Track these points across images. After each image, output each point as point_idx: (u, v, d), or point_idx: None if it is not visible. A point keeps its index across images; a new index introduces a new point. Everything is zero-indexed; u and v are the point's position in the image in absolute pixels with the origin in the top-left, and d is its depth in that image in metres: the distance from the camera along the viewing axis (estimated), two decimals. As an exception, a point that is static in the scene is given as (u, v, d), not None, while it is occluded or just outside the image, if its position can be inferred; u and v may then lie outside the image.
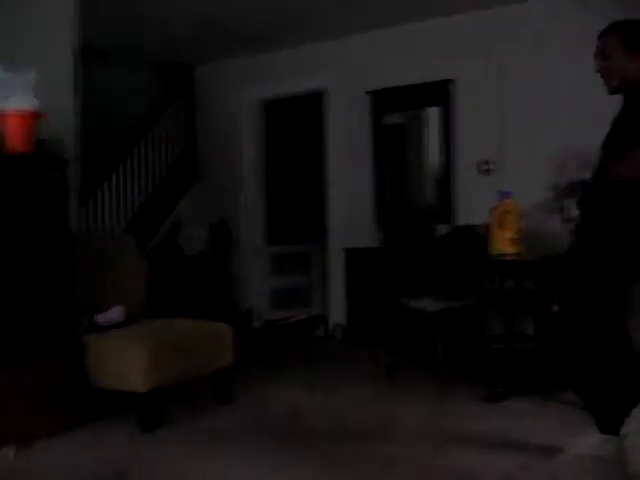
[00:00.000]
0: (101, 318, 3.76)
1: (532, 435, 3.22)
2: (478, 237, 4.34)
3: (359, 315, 5.56)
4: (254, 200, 6.69)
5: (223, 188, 6.62)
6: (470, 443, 3.19)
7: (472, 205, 5.14)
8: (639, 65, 2.74)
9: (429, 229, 4.87)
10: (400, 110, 5.85)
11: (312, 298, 6.89)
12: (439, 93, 5.52)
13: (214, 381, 3.92)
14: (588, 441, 1.48)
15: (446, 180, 5.56)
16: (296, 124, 6.98)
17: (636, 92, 2.73)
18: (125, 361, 3.48)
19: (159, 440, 3.33)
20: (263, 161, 6.75)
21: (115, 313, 3.79)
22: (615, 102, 2.76)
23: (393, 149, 5.88)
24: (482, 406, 3.77)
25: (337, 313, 6.01)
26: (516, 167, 5.04)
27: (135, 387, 3.43)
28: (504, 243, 3.91)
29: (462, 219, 5.28)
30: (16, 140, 3.42)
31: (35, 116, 3.47)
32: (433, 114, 5.67)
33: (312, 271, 6.93)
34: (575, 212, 3.24)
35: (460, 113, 5.46)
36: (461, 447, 3.13)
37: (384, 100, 5.79)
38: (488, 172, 5.27)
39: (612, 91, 2.86)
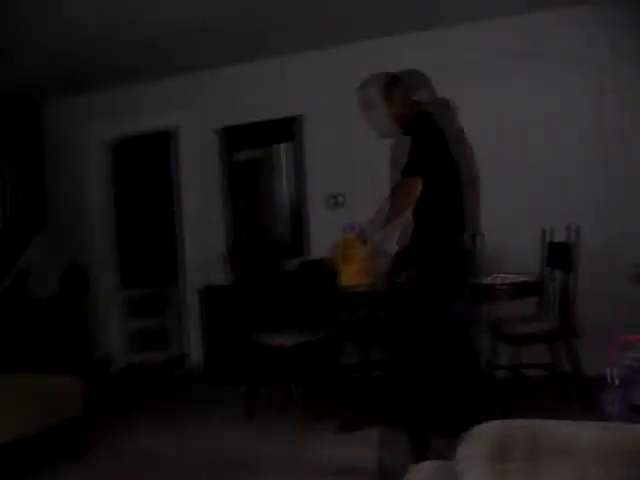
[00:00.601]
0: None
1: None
2: (327, 270, 4.45)
3: (217, 353, 5.53)
4: (106, 242, 6.53)
5: (75, 230, 6.42)
6: (325, 473, 3.27)
7: (322, 239, 5.17)
8: (399, 108, 3.23)
9: (279, 264, 4.97)
10: (251, 147, 5.91)
11: (170, 339, 6.79)
12: (288, 129, 5.66)
13: (65, 435, 3.78)
14: (424, 467, 1.58)
15: (297, 215, 5.69)
16: (146, 163, 6.90)
17: (409, 127, 3.22)
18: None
19: None
20: (113, 202, 6.61)
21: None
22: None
23: (246, 186, 5.93)
24: (337, 437, 3.83)
25: (196, 353, 5.97)
26: (365, 200, 5.06)
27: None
28: (351, 275, 3.94)
29: (314, 253, 5.38)
30: None
31: None
32: (283, 150, 5.79)
33: (169, 311, 6.85)
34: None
35: (310, 148, 5.61)
36: (317, 477, 3.22)
37: (234, 137, 5.86)
38: (336, 205, 5.45)
39: (383, 135, 3.40)
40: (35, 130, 6.64)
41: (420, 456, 2.82)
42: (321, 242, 5.20)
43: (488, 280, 3.81)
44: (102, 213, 6.53)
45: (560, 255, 4.08)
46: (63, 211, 6.55)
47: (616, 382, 2.23)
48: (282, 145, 5.79)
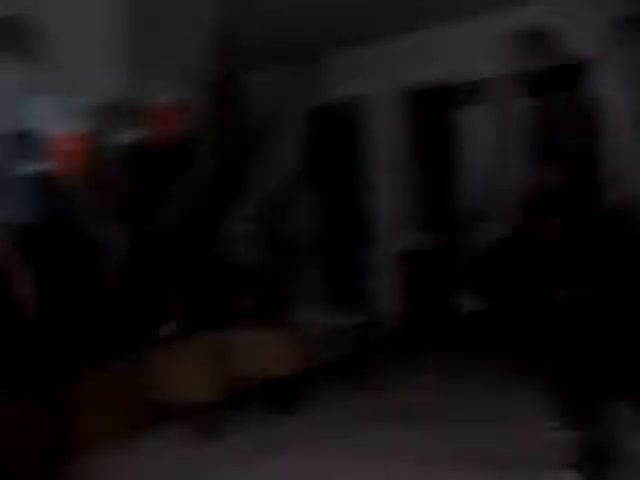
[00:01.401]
0: (164, 329, 3.84)
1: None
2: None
3: (414, 318, 5.50)
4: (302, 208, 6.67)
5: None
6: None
7: None
8: None
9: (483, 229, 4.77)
10: (443, 110, 5.81)
11: (365, 303, 6.83)
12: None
13: (281, 389, 3.96)
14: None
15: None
16: (339, 131, 6.94)
17: None
18: (190, 371, 3.55)
19: (221, 448, 3.37)
20: (308, 169, 6.75)
21: (177, 324, 3.86)
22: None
23: (439, 150, 5.88)
24: None
25: (391, 317, 5.97)
26: None
27: (198, 397, 3.49)
28: None
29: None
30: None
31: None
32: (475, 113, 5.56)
33: (364, 275, 6.83)
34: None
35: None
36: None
37: (428, 101, 5.81)
38: None
39: None
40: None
41: None
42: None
43: None
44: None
45: None
46: None
47: None
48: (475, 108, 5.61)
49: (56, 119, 3.50)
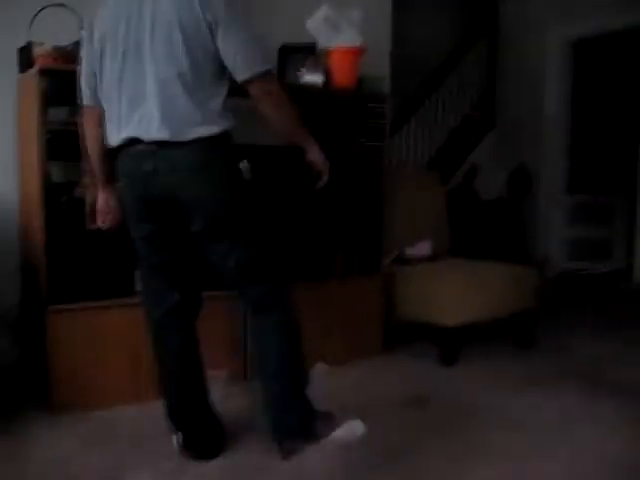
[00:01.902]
0: (410, 251, 3.85)
1: None
2: None
3: None
4: (557, 147, 6.40)
5: (523, 133, 6.42)
6: None
7: None
8: None
9: None
10: None
11: (613, 251, 6.57)
12: None
13: (516, 324, 3.92)
14: None
15: None
16: (611, 65, 6.54)
17: None
18: (434, 294, 3.55)
19: (459, 374, 3.40)
20: (569, 106, 6.40)
21: (423, 247, 3.87)
22: None
23: None
24: None
25: None
26: None
27: (442, 320, 3.50)
28: None
29: None
30: (342, 75, 3.52)
31: (359, 52, 3.56)
32: None
33: (615, 223, 6.61)
34: None
35: None
36: None
37: None
38: None
39: None
40: (491, 34, 6.69)
41: None
42: None
43: None
44: (556, 117, 6.36)
45: None
46: (513, 113, 6.56)
47: None
48: None
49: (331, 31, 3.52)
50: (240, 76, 2.14)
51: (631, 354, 3.76)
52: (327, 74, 3.50)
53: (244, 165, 2.37)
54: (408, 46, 5.72)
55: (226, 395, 2.84)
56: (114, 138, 2.23)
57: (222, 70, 2.16)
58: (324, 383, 2.81)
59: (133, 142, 2.16)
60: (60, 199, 2.71)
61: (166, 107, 2.11)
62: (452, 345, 3.54)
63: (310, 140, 2.40)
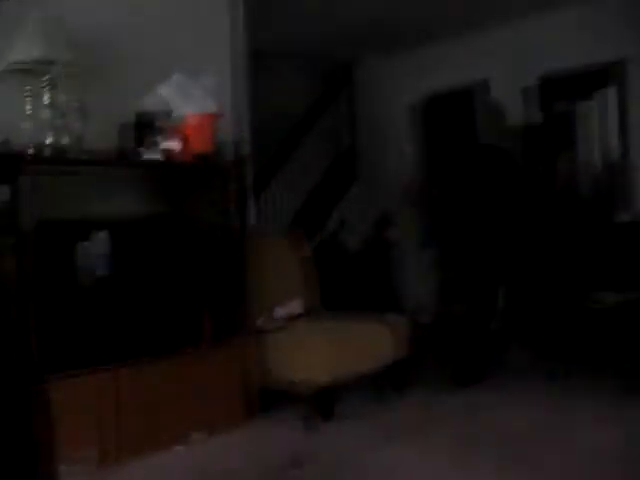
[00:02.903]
0: (280, 311, 3.84)
1: None
2: None
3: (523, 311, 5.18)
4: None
5: (384, 183, 6.67)
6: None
7: None
8: None
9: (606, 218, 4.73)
10: (566, 97, 5.65)
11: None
12: (607, 76, 5.31)
13: (389, 374, 3.97)
14: None
15: (618, 166, 5.36)
16: (455, 120, 6.76)
17: None
18: (306, 352, 3.55)
19: (333, 431, 3.39)
20: (425, 156, 6.72)
21: (293, 306, 3.87)
22: None
23: (564, 137, 5.72)
24: None
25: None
26: None
27: (315, 378, 3.49)
28: None
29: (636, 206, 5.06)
30: (198, 141, 3.53)
31: (214, 118, 3.58)
32: (606, 98, 5.44)
33: None
34: None
35: (636, 94, 5.21)
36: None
37: (549, 88, 5.62)
38: None
39: None
40: (347, 94, 7.03)
41: None
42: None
43: None
44: (414, 167, 6.67)
45: None
46: (372, 168, 6.83)
47: None
48: (599, 93, 5.50)
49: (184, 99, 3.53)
50: None
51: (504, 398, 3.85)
52: (183, 141, 3.47)
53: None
54: (270, 110, 5.84)
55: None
56: None
57: None
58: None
59: None
60: None
61: None
62: (323, 403, 3.54)
63: None
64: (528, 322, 4.95)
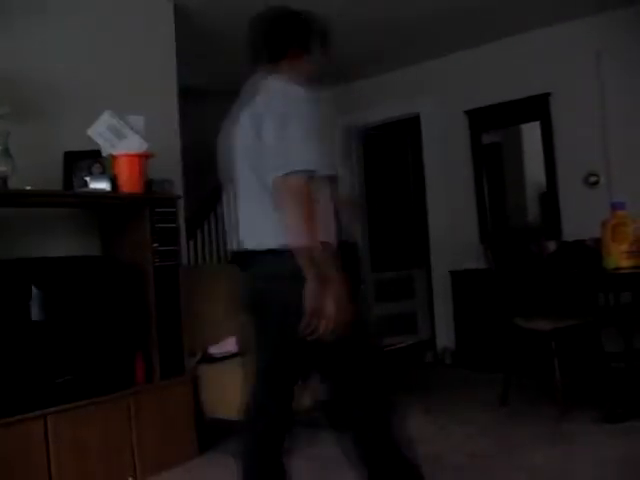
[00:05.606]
0: (215, 349, 3.82)
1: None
2: (589, 252, 4.23)
3: (468, 338, 5.50)
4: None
5: None
6: (602, 465, 3.10)
7: (577, 220, 5.09)
8: None
9: (537, 247, 4.77)
10: (497, 128, 5.84)
11: (418, 323, 6.83)
12: (538, 108, 5.48)
13: (331, 409, 3.95)
14: None
15: (551, 195, 5.48)
16: (394, 150, 7.06)
17: None
18: (235, 391, 3.52)
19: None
20: (363, 189, 6.77)
21: (229, 344, 3.85)
22: None
23: (493, 168, 5.86)
24: (603, 427, 3.64)
25: (445, 337, 5.98)
26: (625, 179, 4.95)
27: (232, 414, 3.47)
28: (619, 256, 3.75)
29: (567, 235, 5.19)
30: (129, 180, 3.52)
31: (144, 157, 3.58)
32: (531, 129, 5.61)
33: (417, 296, 6.90)
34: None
35: (560, 127, 5.39)
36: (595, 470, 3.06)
37: (480, 119, 5.82)
38: (596, 184, 5.20)
39: None
40: None
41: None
42: (576, 223, 5.08)
43: None
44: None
45: None
46: None
47: None
48: (530, 124, 5.63)
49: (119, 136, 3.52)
50: None
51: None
52: (113, 180, 3.46)
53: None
54: (206, 148, 5.81)
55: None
56: None
57: None
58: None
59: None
60: None
61: None
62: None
63: (311, 271, 1.91)
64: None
